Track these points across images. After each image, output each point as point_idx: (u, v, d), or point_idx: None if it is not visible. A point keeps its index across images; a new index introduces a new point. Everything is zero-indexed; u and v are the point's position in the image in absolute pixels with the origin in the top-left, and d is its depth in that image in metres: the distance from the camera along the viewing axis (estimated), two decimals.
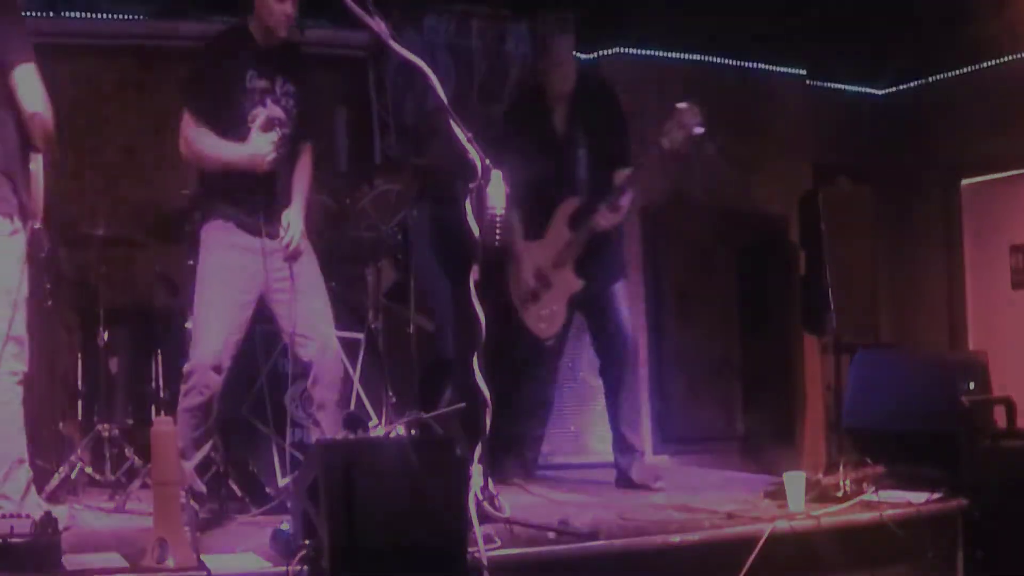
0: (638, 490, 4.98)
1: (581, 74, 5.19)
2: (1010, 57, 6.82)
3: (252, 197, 4.19)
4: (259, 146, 4.11)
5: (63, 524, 3.87)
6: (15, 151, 3.78)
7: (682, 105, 4.73)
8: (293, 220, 4.26)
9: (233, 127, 4.14)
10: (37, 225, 4.00)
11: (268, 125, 4.13)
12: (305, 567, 3.18)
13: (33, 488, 4.02)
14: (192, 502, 3.94)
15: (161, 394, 5.18)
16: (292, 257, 4.23)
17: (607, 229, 4.96)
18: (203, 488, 4.21)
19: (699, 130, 4.69)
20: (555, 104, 5.13)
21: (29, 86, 3.75)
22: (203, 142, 4.16)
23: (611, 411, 5.17)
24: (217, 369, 4.14)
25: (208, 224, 4.26)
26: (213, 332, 4.14)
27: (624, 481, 5.10)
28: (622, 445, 5.14)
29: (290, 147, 4.29)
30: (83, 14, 5.83)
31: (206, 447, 4.21)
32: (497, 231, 3.83)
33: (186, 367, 4.17)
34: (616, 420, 5.15)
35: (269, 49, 4.22)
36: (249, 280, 4.20)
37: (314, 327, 4.24)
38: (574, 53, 5.17)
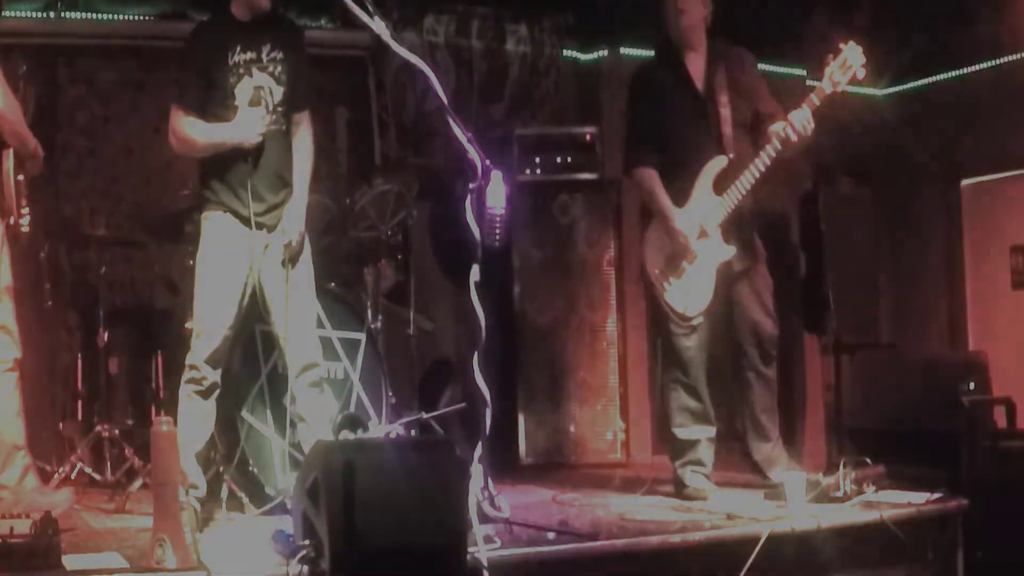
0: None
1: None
2: (1010, 57, 6.81)
3: (249, 187, 4.16)
4: (248, 120, 4.09)
5: (68, 503, 3.91)
6: None
7: (848, 44, 4.44)
8: (294, 218, 4.24)
9: (220, 104, 4.13)
10: (14, 221, 4.00)
11: (256, 98, 4.09)
12: (305, 567, 3.19)
13: (31, 474, 4.03)
14: (192, 502, 3.95)
15: (161, 394, 5.17)
16: (291, 259, 4.21)
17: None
18: (203, 488, 4.21)
19: (863, 70, 4.41)
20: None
21: None
22: (194, 131, 4.14)
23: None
24: (215, 363, 4.14)
25: (205, 215, 4.25)
26: (211, 325, 4.14)
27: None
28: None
29: (285, 120, 4.27)
30: (83, 14, 5.82)
31: (204, 443, 4.20)
32: (497, 231, 3.82)
33: (188, 360, 4.18)
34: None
35: (253, 22, 4.20)
36: (244, 272, 4.19)
37: (295, 332, 4.23)
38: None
